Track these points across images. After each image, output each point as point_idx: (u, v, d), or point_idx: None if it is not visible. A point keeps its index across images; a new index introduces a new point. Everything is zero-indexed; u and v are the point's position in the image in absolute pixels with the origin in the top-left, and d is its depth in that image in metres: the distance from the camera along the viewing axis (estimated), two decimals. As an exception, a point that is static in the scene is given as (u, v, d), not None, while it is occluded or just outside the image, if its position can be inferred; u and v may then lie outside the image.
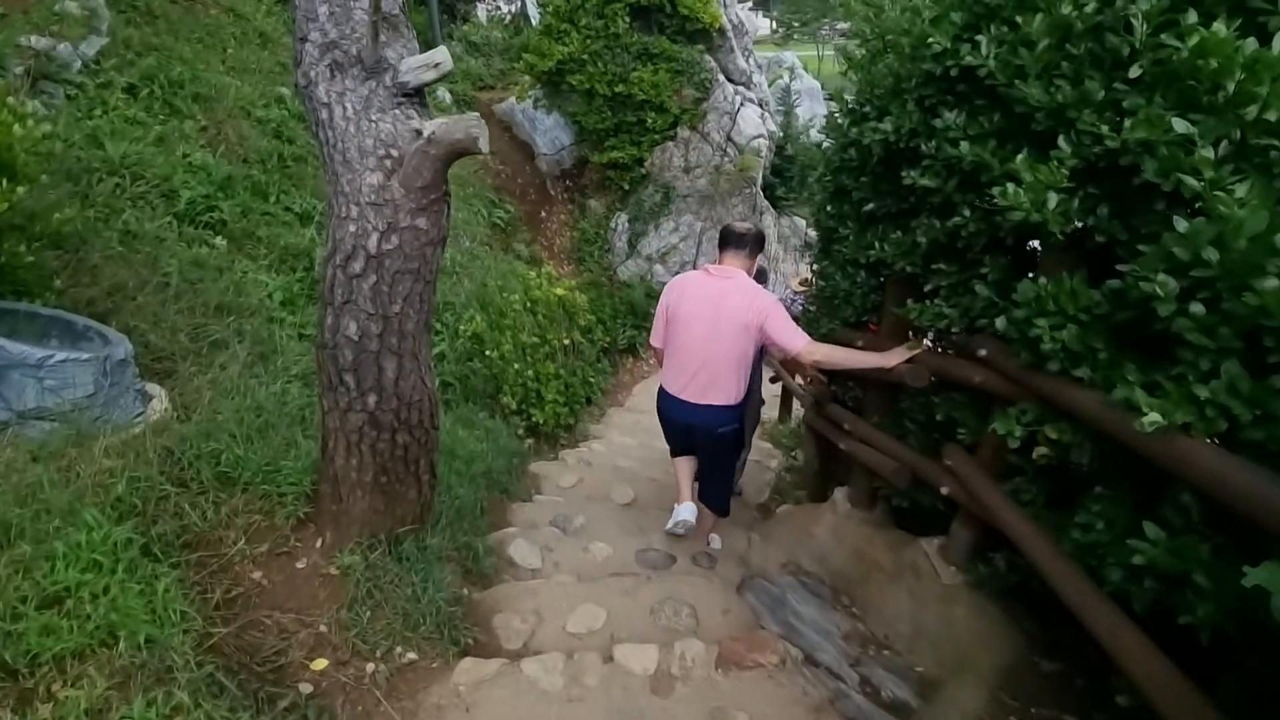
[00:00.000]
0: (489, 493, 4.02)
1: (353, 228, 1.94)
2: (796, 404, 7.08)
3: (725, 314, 2.79)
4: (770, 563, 3.54)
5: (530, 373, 5.40)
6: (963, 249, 2.25)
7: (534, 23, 11.20)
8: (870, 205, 2.74)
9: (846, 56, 2.67)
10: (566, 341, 6.40)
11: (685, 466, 3.30)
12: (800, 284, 10.01)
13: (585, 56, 8.84)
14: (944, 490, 2.44)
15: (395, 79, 1.96)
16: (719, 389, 2.88)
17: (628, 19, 8.76)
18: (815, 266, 3.87)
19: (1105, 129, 1.53)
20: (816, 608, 3.05)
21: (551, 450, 5.55)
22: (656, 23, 8.95)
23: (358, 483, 2.28)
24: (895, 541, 3.03)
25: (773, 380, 6.56)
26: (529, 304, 6.22)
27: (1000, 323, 1.88)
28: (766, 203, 9.33)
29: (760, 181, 9.22)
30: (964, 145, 2.01)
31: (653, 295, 9.26)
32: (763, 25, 38.10)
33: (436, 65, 2.00)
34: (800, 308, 9.45)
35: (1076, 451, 1.75)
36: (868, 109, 2.59)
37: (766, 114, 9.42)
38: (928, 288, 2.41)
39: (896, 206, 2.70)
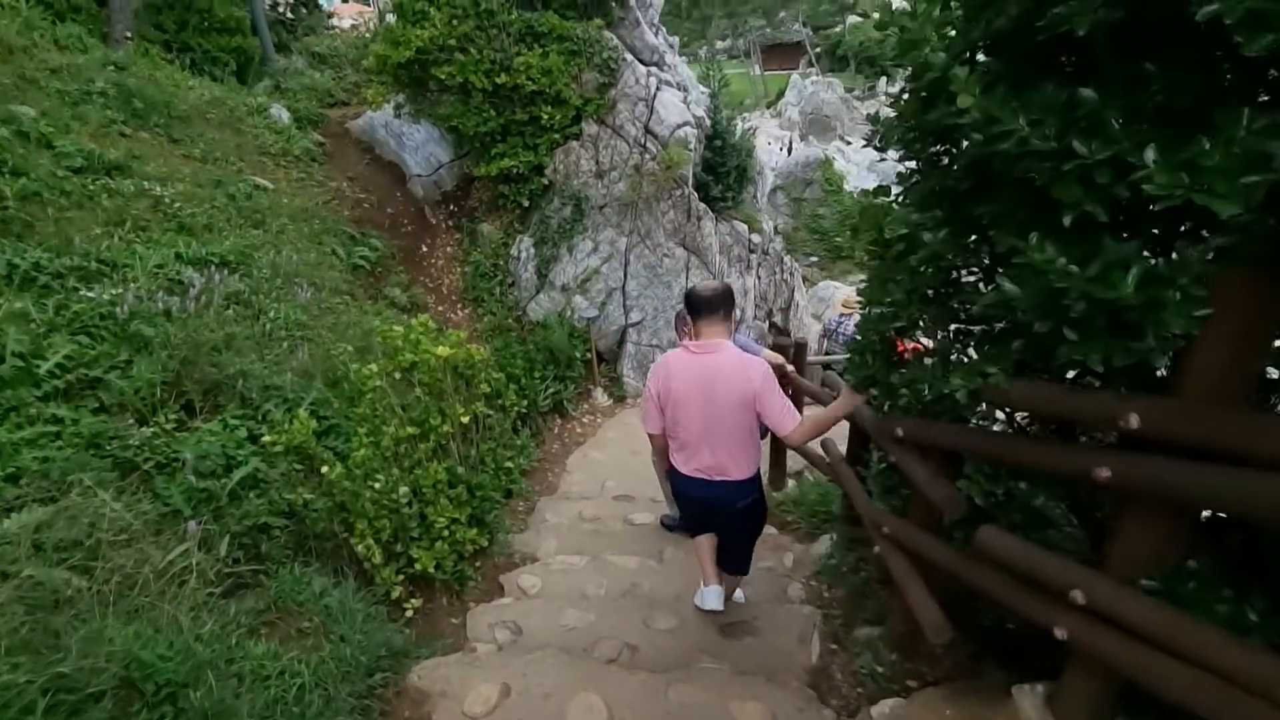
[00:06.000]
0: (310, 805, 1.93)
1: None
2: (794, 458, 5.27)
3: (719, 393, 2.63)
4: None
5: (403, 490, 3.30)
6: None
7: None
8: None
9: None
10: (465, 419, 4.32)
11: (707, 545, 3.10)
12: (845, 305, 8.31)
13: (453, 42, 6.87)
14: None
15: None
16: (731, 464, 2.73)
17: (502, -8, 6.89)
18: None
19: None
20: None
21: (454, 612, 3.43)
22: (539, -5, 7.13)
23: None
24: None
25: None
26: (402, 373, 4.12)
27: None
28: (703, 206, 7.57)
29: (691, 180, 7.48)
30: None
31: (576, 335, 7.28)
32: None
33: None
34: (850, 332, 7.66)
35: None
36: None
37: (690, 99, 7.73)
38: None
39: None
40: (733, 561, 3.14)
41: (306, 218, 7.02)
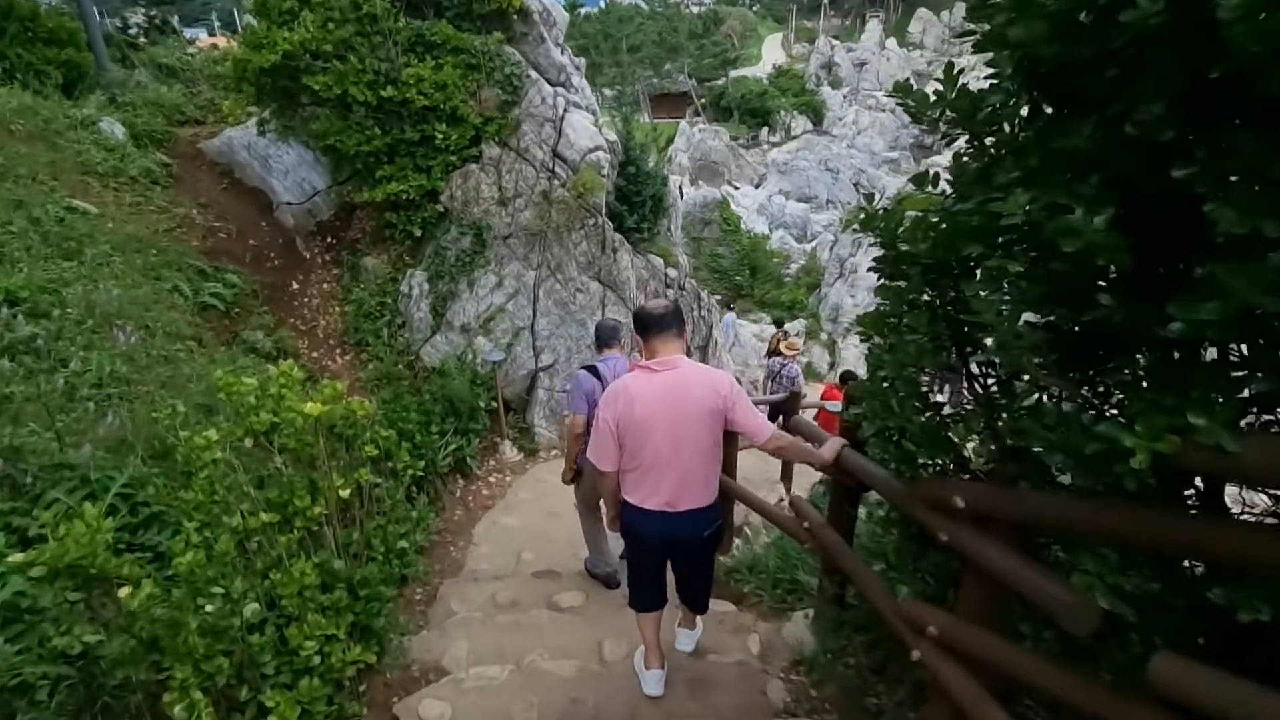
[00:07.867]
0: None
1: None
2: (745, 511, 4.64)
3: (689, 407, 2.46)
4: None
5: (250, 609, 2.33)
6: None
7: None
8: None
9: None
10: (345, 493, 3.36)
11: (651, 624, 2.91)
12: (789, 348, 7.79)
13: (329, 48, 5.96)
14: None
15: None
16: (696, 490, 2.55)
17: (388, -4, 6.08)
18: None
19: None
20: None
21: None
22: (431, 3, 6.37)
23: None
24: None
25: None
26: (257, 439, 3.13)
27: None
28: (618, 236, 6.96)
29: (604, 209, 6.87)
30: None
31: (480, 382, 6.37)
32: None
33: None
34: (794, 375, 7.06)
35: None
36: None
37: (601, 122, 7.17)
38: None
39: None
40: (696, 593, 3.01)
41: (140, 248, 5.76)
